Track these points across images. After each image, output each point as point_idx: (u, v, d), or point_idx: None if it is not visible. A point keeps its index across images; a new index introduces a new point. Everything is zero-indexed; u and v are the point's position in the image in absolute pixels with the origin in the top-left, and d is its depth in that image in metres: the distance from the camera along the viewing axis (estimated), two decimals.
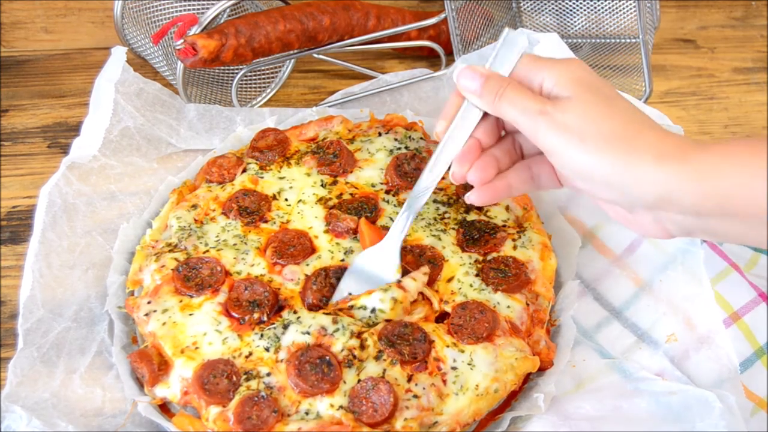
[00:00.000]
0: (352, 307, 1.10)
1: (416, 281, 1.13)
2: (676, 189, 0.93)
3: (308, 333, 1.08)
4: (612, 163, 0.95)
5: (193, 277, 1.15)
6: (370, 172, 1.30)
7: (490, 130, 1.08)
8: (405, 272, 1.15)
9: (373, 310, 1.10)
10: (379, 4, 1.55)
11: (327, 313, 1.10)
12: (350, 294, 1.12)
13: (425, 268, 1.15)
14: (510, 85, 1.02)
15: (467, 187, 1.28)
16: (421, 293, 1.14)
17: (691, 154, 0.93)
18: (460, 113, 1.07)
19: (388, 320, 1.10)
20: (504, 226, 1.25)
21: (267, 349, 1.08)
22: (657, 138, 0.95)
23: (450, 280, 1.17)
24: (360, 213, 1.23)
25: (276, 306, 1.13)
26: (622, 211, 1.04)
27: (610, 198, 1.00)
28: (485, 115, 1.07)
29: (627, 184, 0.95)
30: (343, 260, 1.18)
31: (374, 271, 1.14)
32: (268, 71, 1.58)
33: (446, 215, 1.25)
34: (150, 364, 1.08)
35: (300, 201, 1.26)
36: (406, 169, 1.29)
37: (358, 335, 1.07)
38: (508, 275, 1.17)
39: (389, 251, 1.15)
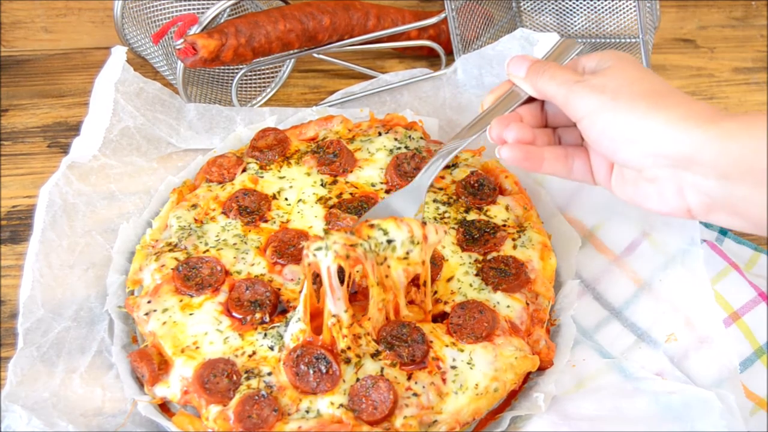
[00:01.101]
0: (373, 226, 1.05)
1: (437, 234, 1.08)
2: (701, 147, 0.93)
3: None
4: (640, 118, 0.97)
5: (193, 276, 1.15)
6: (370, 171, 1.30)
7: (534, 112, 1.14)
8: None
9: (390, 241, 1.05)
10: (379, 4, 1.55)
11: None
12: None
13: (446, 227, 1.13)
14: (552, 65, 1.09)
15: (467, 189, 1.28)
16: (415, 285, 1.14)
17: (718, 119, 0.94)
18: (507, 93, 1.14)
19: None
20: (504, 225, 1.25)
21: (271, 348, 1.08)
22: (687, 101, 0.98)
23: (450, 279, 1.17)
24: (360, 212, 1.23)
25: (277, 306, 1.13)
26: (644, 185, 1.03)
27: (635, 159, 1.00)
28: (531, 100, 1.14)
29: (653, 140, 0.96)
30: None
31: (398, 210, 1.13)
32: (268, 71, 1.58)
33: (446, 215, 1.25)
34: (150, 364, 1.08)
35: (300, 200, 1.26)
36: (406, 168, 1.29)
37: (346, 258, 1.02)
38: (507, 275, 1.17)
39: (416, 191, 1.15)
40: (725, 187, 0.94)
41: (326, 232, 1.03)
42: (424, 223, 1.07)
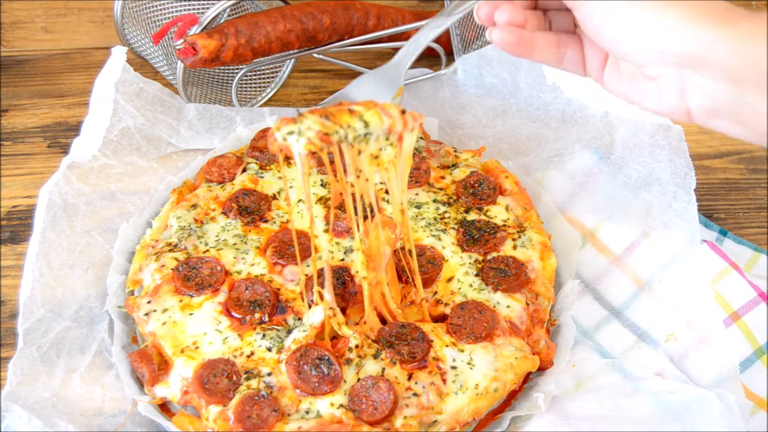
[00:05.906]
0: (353, 111, 0.95)
1: (413, 133, 0.99)
2: (713, 48, 0.86)
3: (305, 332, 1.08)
4: (648, 10, 0.89)
5: (193, 276, 1.15)
6: None
7: None
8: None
9: (366, 135, 0.96)
10: (379, 4, 1.55)
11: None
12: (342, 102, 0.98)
13: (422, 118, 1.02)
14: None
15: (467, 189, 1.28)
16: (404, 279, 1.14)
17: (735, 18, 0.87)
18: None
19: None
20: (504, 225, 1.25)
21: (269, 349, 1.08)
22: None
23: (450, 280, 1.17)
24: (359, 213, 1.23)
25: (276, 306, 1.13)
26: (642, 82, 0.96)
27: (638, 53, 0.92)
28: None
29: (661, 35, 0.89)
30: (343, 260, 1.18)
31: (373, 92, 1.04)
32: (268, 71, 1.58)
33: (446, 215, 1.25)
34: (150, 364, 1.08)
35: (300, 200, 1.26)
36: None
37: (320, 149, 0.93)
38: (507, 275, 1.17)
39: (394, 71, 1.06)
40: (733, 92, 0.87)
41: (300, 114, 0.92)
42: (403, 112, 0.99)
